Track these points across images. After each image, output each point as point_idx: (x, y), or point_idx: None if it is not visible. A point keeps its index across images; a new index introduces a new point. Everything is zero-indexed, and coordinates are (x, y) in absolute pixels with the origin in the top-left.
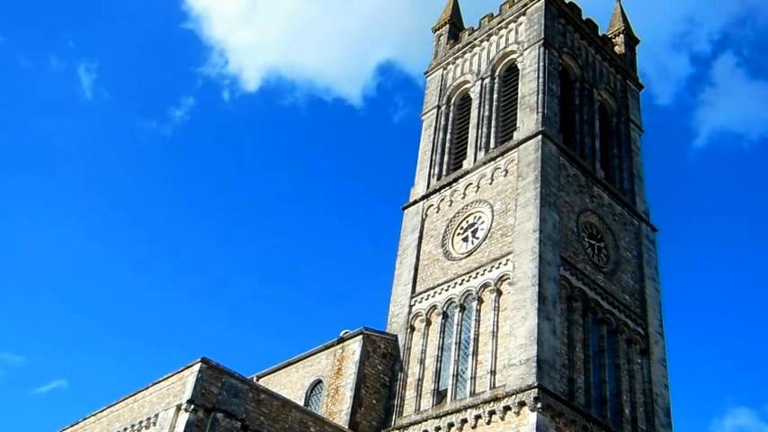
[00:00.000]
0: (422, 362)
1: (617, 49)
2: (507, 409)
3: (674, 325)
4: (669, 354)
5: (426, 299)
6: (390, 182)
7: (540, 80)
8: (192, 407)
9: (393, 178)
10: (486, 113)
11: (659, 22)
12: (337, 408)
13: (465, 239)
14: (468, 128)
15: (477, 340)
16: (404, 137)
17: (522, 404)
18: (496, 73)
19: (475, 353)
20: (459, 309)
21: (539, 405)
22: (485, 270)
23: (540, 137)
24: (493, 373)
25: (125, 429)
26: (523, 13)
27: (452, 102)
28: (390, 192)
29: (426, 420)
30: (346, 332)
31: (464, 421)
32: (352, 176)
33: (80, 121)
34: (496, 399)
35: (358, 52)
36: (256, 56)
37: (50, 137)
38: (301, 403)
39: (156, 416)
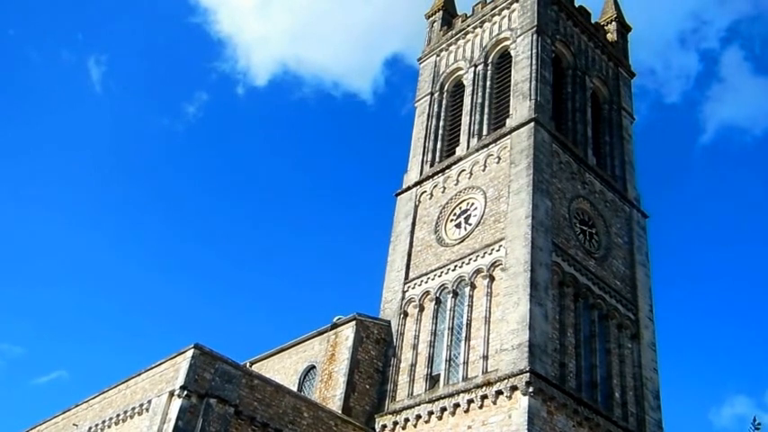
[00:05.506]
0: (415, 347)
1: (609, 36)
2: (499, 393)
3: (672, 313)
4: (663, 340)
5: (419, 285)
6: (384, 168)
7: (533, 67)
8: (185, 393)
9: (387, 165)
10: (479, 100)
11: (666, 18)
12: (331, 393)
13: (458, 226)
14: (461, 115)
15: (469, 326)
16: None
17: (513, 388)
18: (489, 60)
19: (467, 338)
20: (451, 294)
21: (530, 389)
22: (477, 256)
23: (532, 124)
24: (485, 357)
25: (117, 416)
26: (516, 0)
27: (445, 89)
28: (384, 178)
29: (419, 405)
30: (339, 318)
31: (456, 405)
32: (349, 165)
33: (90, 115)
34: (489, 383)
35: (365, 46)
36: (264, 50)
37: (60, 130)
38: (295, 389)
39: (149, 402)
